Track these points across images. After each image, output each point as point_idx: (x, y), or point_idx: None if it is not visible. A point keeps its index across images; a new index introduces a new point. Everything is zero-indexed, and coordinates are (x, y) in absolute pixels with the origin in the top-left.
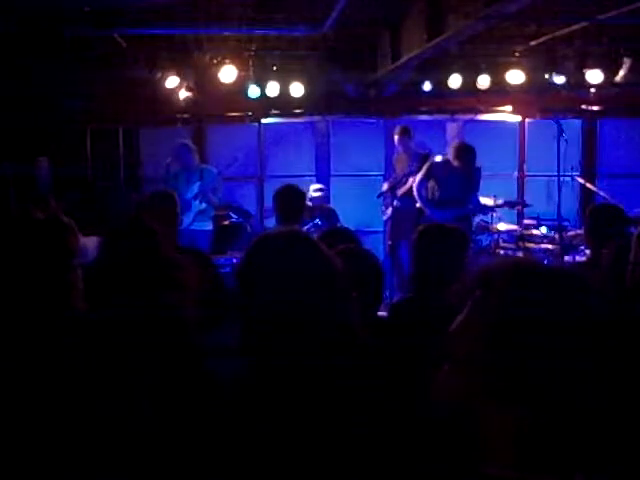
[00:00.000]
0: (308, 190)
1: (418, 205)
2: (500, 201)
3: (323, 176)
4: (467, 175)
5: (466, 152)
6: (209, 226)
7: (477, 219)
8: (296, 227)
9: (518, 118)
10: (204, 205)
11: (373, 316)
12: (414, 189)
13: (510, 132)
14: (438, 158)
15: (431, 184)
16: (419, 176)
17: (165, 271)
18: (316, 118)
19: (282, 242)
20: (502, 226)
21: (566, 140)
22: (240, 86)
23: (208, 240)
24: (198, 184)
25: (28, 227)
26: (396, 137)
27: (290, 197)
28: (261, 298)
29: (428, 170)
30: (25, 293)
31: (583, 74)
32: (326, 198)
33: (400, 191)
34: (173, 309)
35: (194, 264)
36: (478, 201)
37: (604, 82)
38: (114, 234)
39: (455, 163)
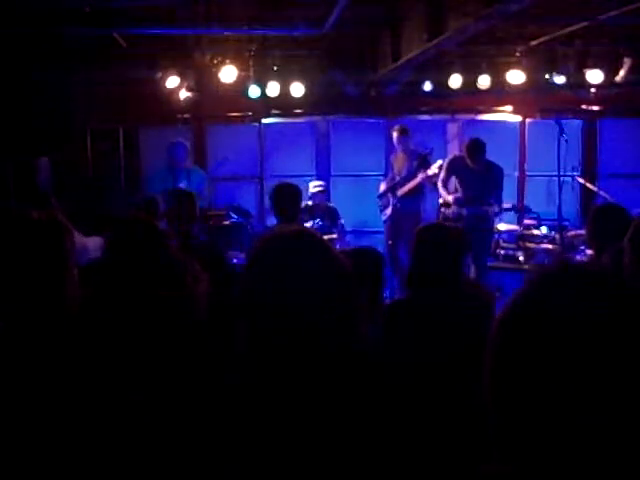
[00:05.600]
0: (307, 188)
1: (443, 202)
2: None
3: (323, 176)
4: (484, 172)
5: (474, 149)
6: None
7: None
8: (299, 225)
9: (518, 118)
10: None
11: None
12: (439, 188)
13: (510, 132)
14: (454, 154)
15: (454, 181)
16: (442, 175)
17: (170, 272)
18: (316, 118)
19: (292, 242)
20: (502, 226)
21: (566, 140)
22: (240, 86)
23: None
24: (185, 183)
25: (23, 227)
26: (395, 135)
27: (288, 195)
28: (271, 299)
29: (449, 166)
30: (19, 293)
31: (583, 74)
32: (327, 194)
33: (401, 191)
34: (174, 310)
35: (204, 267)
36: (501, 201)
37: (604, 82)
38: (122, 232)
39: (469, 162)
